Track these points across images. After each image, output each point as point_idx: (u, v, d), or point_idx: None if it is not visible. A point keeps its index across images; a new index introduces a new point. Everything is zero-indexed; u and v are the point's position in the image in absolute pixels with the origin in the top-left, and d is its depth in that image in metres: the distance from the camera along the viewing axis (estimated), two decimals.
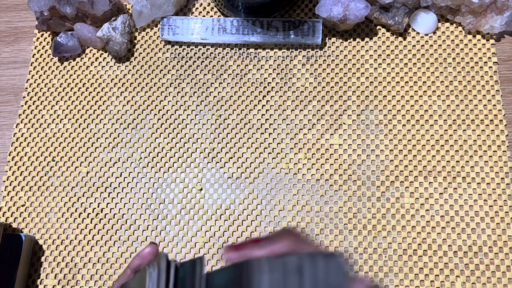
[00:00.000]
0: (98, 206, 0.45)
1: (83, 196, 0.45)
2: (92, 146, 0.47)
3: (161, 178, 0.46)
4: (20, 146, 0.48)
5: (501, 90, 0.46)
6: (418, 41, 0.49)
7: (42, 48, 0.52)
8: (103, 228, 0.44)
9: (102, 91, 0.50)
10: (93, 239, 0.44)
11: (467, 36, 0.48)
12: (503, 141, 0.44)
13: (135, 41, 0.51)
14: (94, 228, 0.44)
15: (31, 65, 0.51)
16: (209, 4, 0.52)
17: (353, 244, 0.42)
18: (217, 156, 0.46)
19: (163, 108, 0.48)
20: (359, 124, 0.46)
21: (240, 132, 0.47)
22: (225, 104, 0.48)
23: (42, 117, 0.49)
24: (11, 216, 0.45)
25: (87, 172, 0.46)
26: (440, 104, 0.46)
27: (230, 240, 0.43)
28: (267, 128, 0.47)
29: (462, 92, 0.46)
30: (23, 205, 0.46)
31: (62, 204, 0.45)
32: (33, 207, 0.45)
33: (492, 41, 0.48)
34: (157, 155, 0.46)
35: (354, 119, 0.46)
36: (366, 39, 0.49)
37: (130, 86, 0.50)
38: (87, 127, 0.48)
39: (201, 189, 0.45)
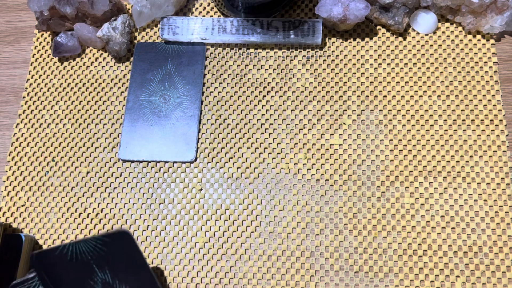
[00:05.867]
0: (98, 206, 0.45)
1: (83, 196, 0.45)
2: (92, 146, 0.47)
3: (161, 178, 0.46)
4: (20, 146, 0.48)
5: (501, 90, 0.46)
6: (418, 41, 0.49)
7: (42, 48, 0.52)
8: (103, 228, 0.44)
9: (102, 91, 0.50)
10: None
11: (467, 36, 0.48)
12: (503, 141, 0.44)
13: (135, 41, 0.51)
14: (94, 228, 0.44)
15: (31, 65, 0.51)
16: (209, 4, 0.52)
17: (353, 244, 0.42)
18: (217, 156, 0.46)
19: None
20: (359, 124, 0.46)
21: (240, 132, 0.47)
22: (225, 104, 0.48)
23: (42, 117, 0.49)
24: (11, 216, 0.45)
25: (87, 172, 0.46)
26: (440, 104, 0.46)
27: (230, 240, 0.43)
28: (267, 128, 0.47)
29: (462, 92, 0.46)
30: (23, 205, 0.46)
31: (62, 204, 0.45)
32: (33, 207, 0.45)
33: (492, 41, 0.48)
34: None
35: (354, 119, 0.46)
36: (366, 39, 0.49)
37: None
38: (87, 127, 0.48)
39: (201, 189, 0.45)
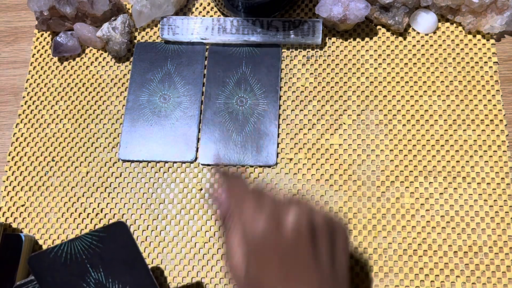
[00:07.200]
0: (98, 206, 0.45)
1: (83, 196, 0.45)
2: (92, 146, 0.47)
3: (161, 178, 0.46)
4: (20, 146, 0.48)
5: (501, 90, 0.46)
6: (418, 41, 0.48)
7: (42, 48, 0.52)
8: None
9: (102, 91, 0.50)
10: None
11: (467, 36, 0.48)
12: (503, 141, 0.44)
13: (135, 41, 0.51)
14: (94, 228, 0.44)
15: (31, 65, 0.51)
16: (209, 4, 0.52)
17: (353, 244, 0.42)
18: None
19: None
20: (359, 124, 0.46)
21: None
22: None
23: (42, 117, 0.49)
24: (11, 216, 0.45)
25: (87, 172, 0.46)
26: (440, 104, 0.46)
27: None
28: None
29: (462, 92, 0.46)
30: (23, 205, 0.46)
31: (62, 204, 0.45)
32: (33, 207, 0.45)
33: (492, 41, 0.48)
34: None
35: (354, 119, 0.46)
36: (366, 39, 0.49)
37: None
38: (87, 127, 0.48)
39: (201, 189, 0.45)
